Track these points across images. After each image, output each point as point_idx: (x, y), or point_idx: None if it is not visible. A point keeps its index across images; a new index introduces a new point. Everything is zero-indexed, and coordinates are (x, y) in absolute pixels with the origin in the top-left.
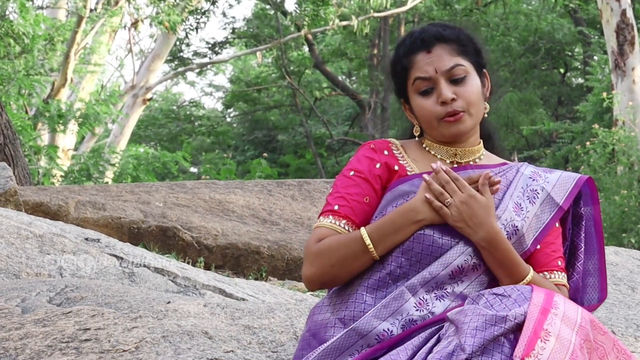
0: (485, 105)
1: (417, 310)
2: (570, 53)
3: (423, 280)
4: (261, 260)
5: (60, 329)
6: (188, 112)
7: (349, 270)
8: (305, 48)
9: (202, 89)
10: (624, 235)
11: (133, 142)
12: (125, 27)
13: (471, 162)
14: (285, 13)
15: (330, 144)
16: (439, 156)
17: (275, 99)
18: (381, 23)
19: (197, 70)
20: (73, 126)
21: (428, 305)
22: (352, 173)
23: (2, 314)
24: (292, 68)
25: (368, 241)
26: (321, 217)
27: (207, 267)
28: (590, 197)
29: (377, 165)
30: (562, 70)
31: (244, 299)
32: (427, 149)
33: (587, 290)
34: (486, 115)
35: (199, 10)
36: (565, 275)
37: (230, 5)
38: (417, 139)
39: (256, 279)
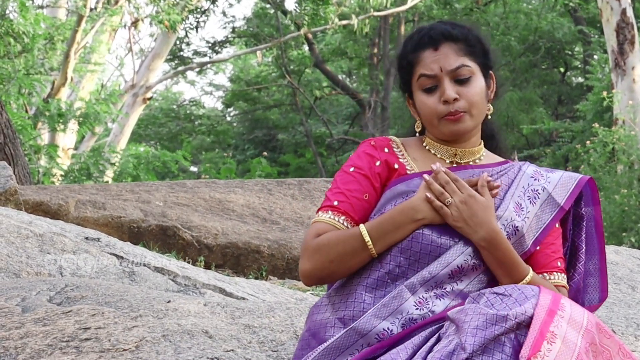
0: (488, 107)
1: (417, 309)
2: (570, 52)
3: (422, 280)
4: (261, 260)
5: (61, 328)
6: (188, 111)
7: (347, 267)
8: (305, 47)
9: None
10: (624, 234)
11: (133, 141)
12: (125, 26)
13: (471, 162)
14: (285, 12)
15: (330, 143)
16: (438, 155)
17: (275, 98)
18: (381, 22)
19: (197, 70)
20: (73, 125)
21: (428, 304)
22: (352, 169)
23: (3, 313)
24: (292, 67)
25: (367, 238)
26: (320, 212)
27: (207, 266)
28: (591, 198)
29: (377, 163)
30: (562, 70)
31: (244, 298)
32: (427, 147)
33: (588, 290)
34: (489, 117)
35: (199, 9)
36: (565, 277)
37: (230, 5)
38: (417, 136)
39: (256, 278)
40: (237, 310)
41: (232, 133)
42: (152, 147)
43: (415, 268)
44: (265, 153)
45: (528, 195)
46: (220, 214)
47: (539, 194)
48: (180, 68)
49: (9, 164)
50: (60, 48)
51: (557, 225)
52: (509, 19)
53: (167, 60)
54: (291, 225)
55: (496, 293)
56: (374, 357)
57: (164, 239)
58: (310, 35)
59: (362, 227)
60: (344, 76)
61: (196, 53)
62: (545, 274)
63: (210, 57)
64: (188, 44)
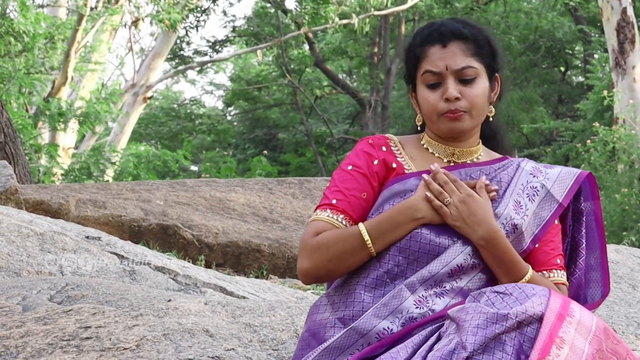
0: (490, 109)
1: (417, 307)
2: (570, 51)
3: (422, 279)
4: (262, 259)
5: (61, 327)
6: (188, 111)
7: (346, 265)
8: (306, 46)
9: (203, 87)
10: (624, 233)
11: (133, 140)
12: (125, 25)
13: (469, 162)
14: (285, 11)
15: (330, 142)
16: (436, 154)
17: (276, 97)
18: (382, 21)
19: (198, 69)
20: (73, 125)
21: (428, 303)
22: (350, 167)
23: (3, 312)
24: (292, 66)
25: (366, 237)
26: (318, 211)
27: (207, 265)
28: (591, 193)
29: (375, 162)
30: (562, 69)
31: (244, 297)
32: (425, 146)
33: (590, 285)
34: (490, 119)
35: (199, 9)
36: (565, 274)
37: (231, 4)
38: (415, 135)
39: (257, 277)
40: (238, 309)
41: (233, 132)
42: (152, 146)
43: (414, 267)
44: (265, 152)
45: (527, 192)
46: (221, 213)
47: (538, 191)
48: (180, 67)
49: (10, 163)
50: (61, 47)
51: (556, 222)
52: (510, 18)
53: (167, 60)
54: (292, 224)
55: (497, 292)
56: (374, 356)
57: (165, 238)
58: (310, 35)
59: (361, 226)
60: (344, 75)
61: (196, 52)
62: (544, 272)
63: (210, 56)
64: (188, 43)
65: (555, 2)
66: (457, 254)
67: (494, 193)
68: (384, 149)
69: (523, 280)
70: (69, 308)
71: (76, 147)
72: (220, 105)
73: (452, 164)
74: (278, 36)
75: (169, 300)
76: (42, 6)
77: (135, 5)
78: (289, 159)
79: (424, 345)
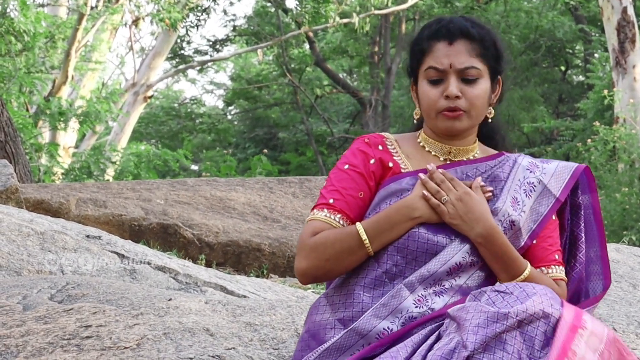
0: (489, 110)
1: (416, 307)
2: (571, 51)
3: (421, 278)
4: (262, 258)
5: (62, 326)
6: (189, 110)
7: (343, 265)
8: (306, 45)
9: (203, 87)
10: (624, 232)
11: (134, 139)
12: (126, 24)
13: (465, 160)
14: (286, 10)
15: (331, 141)
16: (433, 153)
17: (276, 96)
18: (382, 20)
19: (198, 68)
20: (74, 124)
21: (427, 302)
22: (346, 167)
23: (4, 311)
24: (292, 66)
25: (364, 236)
26: (315, 210)
27: (208, 265)
28: (588, 186)
29: (372, 161)
30: (562, 68)
31: (245, 296)
32: (421, 144)
33: (591, 278)
34: (489, 120)
35: (199, 8)
36: (563, 269)
37: (231, 3)
38: (411, 133)
39: (257, 276)
40: (238, 308)
41: (233, 131)
42: (152, 145)
43: (412, 266)
44: (265, 150)
45: (524, 188)
46: (221, 212)
47: (535, 186)
48: (181, 66)
49: (10, 162)
50: (61, 46)
51: (553, 217)
52: (510, 17)
53: (167, 59)
54: (292, 223)
55: (497, 291)
56: (374, 356)
57: (165, 237)
58: (311, 34)
59: (358, 225)
60: (344, 74)
61: (197, 51)
62: (543, 268)
63: (211, 55)
64: (189, 43)
65: (556, 2)
66: (455, 252)
67: (490, 194)
68: (380, 147)
69: (522, 276)
70: (70, 307)
71: (76, 147)
72: (220, 104)
73: (448, 162)
74: (278, 35)
75: (170, 300)
76: (42, 5)
77: (136, 5)
78: (289, 158)
79: (423, 345)
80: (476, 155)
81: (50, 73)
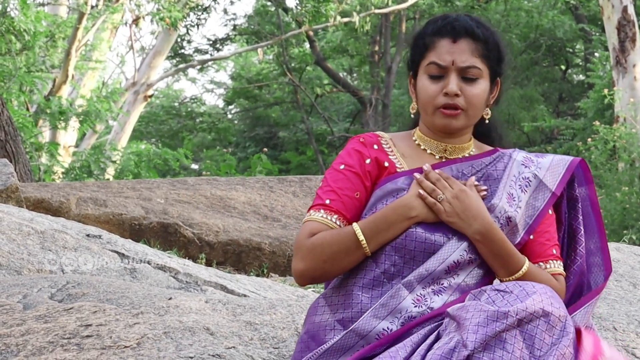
0: (486, 111)
1: (415, 306)
2: (571, 50)
3: (419, 277)
4: (262, 257)
5: (62, 325)
6: (189, 109)
7: (341, 266)
8: (307, 45)
9: (203, 86)
10: (625, 231)
11: (134, 138)
12: (126, 23)
13: (461, 157)
14: (286, 10)
15: (331, 140)
16: (428, 151)
17: (276, 95)
18: (382, 20)
19: (198, 67)
20: (74, 123)
21: (426, 301)
22: (342, 167)
23: (4, 310)
24: (293, 65)
25: (361, 237)
26: (312, 211)
27: (208, 264)
28: (584, 178)
29: (368, 161)
30: (563, 67)
31: (245, 295)
32: (417, 142)
33: (593, 270)
34: (486, 121)
35: (200, 7)
36: (562, 264)
37: (232, 2)
38: (407, 131)
39: (257, 275)
40: (239, 307)
41: (233, 131)
42: (153, 144)
43: (410, 266)
44: (265, 149)
45: (519, 183)
46: (222, 211)
47: (530, 181)
48: (181, 66)
49: (10, 162)
50: (62, 46)
51: (550, 212)
52: (510, 16)
53: (168, 58)
54: (292, 222)
55: (497, 290)
56: (373, 356)
57: (165, 236)
58: (311, 33)
59: (355, 226)
60: (345, 74)
61: (197, 51)
62: (541, 263)
63: (211, 54)
64: (189, 42)
65: (556, 1)
66: (453, 251)
67: (484, 192)
68: (375, 147)
69: (520, 272)
70: (70, 306)
71: (77, 146)
72: (220, 103)
73: (444, 160)
74: (279, 34)
75: (170, 299)
76: (42, 4)
77: (136, 4)
78: (289, 158)
79: (422, 344)
80: (472, 152)
81: (51, 72)
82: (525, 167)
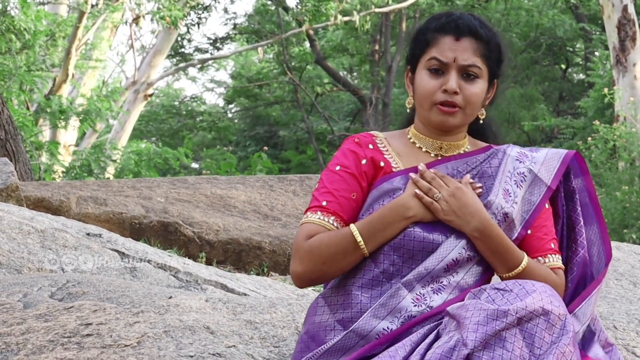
0: (482, 111)
1: (415, 305)
2: (571, 49)
3: (419, 276)
4: (263, 256)
5: (62, 324)
6: (189, 108)
7: (339, 267)
8: (307, 44)
9: (204, 85)
10: (625, 231)
11: (134, 137)
12: (126, 22)
13: (456, 154)
14: (286, 9)
15: (331, 139)
16: (424, 149)
17: (277, 94)
18: (382, 19)
19: (199, 66)
20: (74, 122)
21: (426, 300)
22: (338, 168)
23: (4, 309)
24: (293, 64)
25: (359, 238)
26: (309, 213)
27: (208, 263)
28: (580, 169)
29: (363, 162)
30: (563, 66)
31: (245, 294)
32: (412, 140)
33: (594, 260)
34: (481, 121)
35: (200, 6)
36: (560, 257)
37: (232, 1)
38: (401, 130)
39: (258, 274)
40: (239, 306)
41: (234, 129)
42: (153, 143)
43: (409, 265)
44: (265, 148)
45: (514, 179)
46: (222, 210)
47: (525, 176)
48: (181, 65)
49: (11, 160)
50: (62, 45)
51: (547, 206)
52: (510, 15)
53: (168, 57)
54: (292, 221)
55: (497, 288)
56: (373, 355)
57: (166, 235)
58: (311, 32)
59: (352, 227)
60: (345, 73)
61: (197, 50)
62: (539, 258)
63: (211, 53)
64: (189, 41)
65: (556, 0)
66: (451, 249)
67: (480, 190)
68: (370, 147)
69: (519, 268)
70: (70, 305)
71: (77, 145)
72: (221, 102)
73: (439, 158)
74: (279, 33)
75: (170, 297)
76: (42, 3)
77: (136, 3)
78: (289, 157)
79: (422, 343)
80: (467, 149)
81: (51, 71)
82: (520, 162)
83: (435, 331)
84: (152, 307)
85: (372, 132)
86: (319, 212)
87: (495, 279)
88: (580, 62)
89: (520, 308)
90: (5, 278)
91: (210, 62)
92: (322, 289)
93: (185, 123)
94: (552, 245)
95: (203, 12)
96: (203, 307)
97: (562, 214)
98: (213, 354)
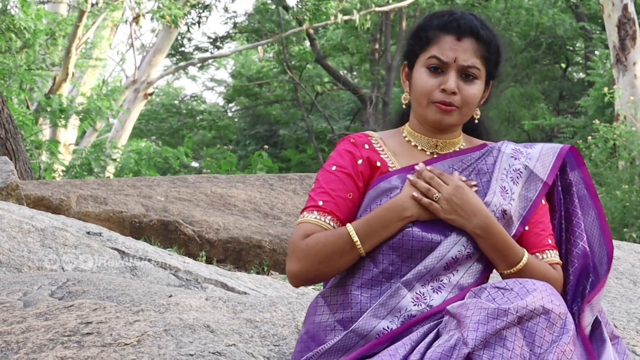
0: (477, 111)
1: (414, 305)
2: (571, 48)
3: (418, 275)
4: (263, 255)
5: (62, 322)
6: (189, 107)
7: (336, 267)
8: (307, 43)
9: (204, 84)
10: (625, 229)
11: (134, 136)
12: (126, 21)
13: (451, 152)
14: (286, 7)
15: (331, 138)
16: (419, 147)
17: (277, 93)
18: (383, 18)
19: (199, 65)
20: (74, 121)
21: (425, 299)
22: (334, 168)
23: (4, 308)
24: (293, 63)
25: (355, 237)
26: (305, 213)
27: (208, 261)
28: (575, 162)
29: (360, 162)
30: (563, 65)
31: (245, 293)
32: (407, 138)
33: (595, 250)
34: (475, 121)
35: (200, 4)
36: (557, 253)
37: (232, 0)
38: (395, 129)
39: (258, 273)
40: (239, 305)
41: (234, 128)
42: (153, 142)
43: (408, 264)
44: (265, 147)
45: (510, 176)
46: (222, 209)
47: (521, 172)
48: (181, 63)
49: (11, 159)
50: (62, 43)
51: (543, 202)
52: (510, 14)
53: (168, 56)
54: (293, 220)
55: (497, 287)
56: (373, 354)
57: (166, 234)
58: (311, 31)
59: (349, 226)
60: (345, 72)
61: (197, 48)
62: (537, 254)
63: (211, 52)
64: (189, 40)
65: None
66: (451, 247)
67: (475, 188)
68: (366, 147)
69: (521, 264)
70: (70, 304)
71: (77, 144)
72: (221, 101)
73: (435, 156)
74: (279, 32)
75: (170, 296)
76: (42, 2)
77: (136, 2)
78: (289, 155)
79: (422, 342)
80: (462, 147)
81: (51, 70)
82: (515, 159)
83: (436, 330)
84: (152, 305)
85: (367, 132)
86: (315, 212)
87: (494, 277)
88: (581, 61)
89: (520, 307)
90: (5, 277)
91: (210, 61)
92: (322, 288)
93: (186, 122)
94: (550, 241)
95: (203, 11)
96: (203, 305)
97: (560, 207)
98: (213, 353)
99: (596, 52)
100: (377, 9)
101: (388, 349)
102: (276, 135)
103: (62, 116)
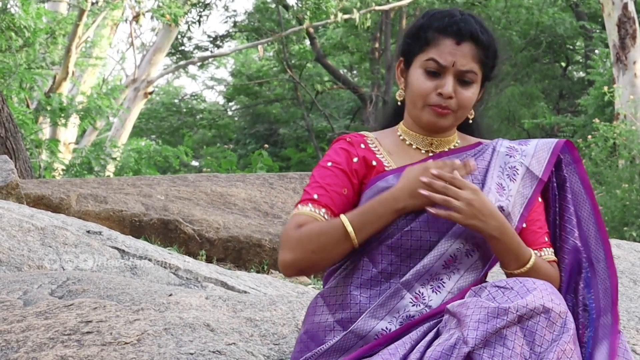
0: (471, 112)
1: (413, 305)
2: (571, 47)
3: (417, 274)
4: (263, 253)
5: (62, 321)
6: (189, 106)
7: (329, 258)
8: (307, 41)
9: (204, 83)
10: (625, 228)
11: (134, 135)
12: (126, 20)
13: (447, 150)
14: (286, 6)
15: (331, 137)
16: (414, 145)
17: (277, 92)
18: (383, 16)
19: (199, 64)
20: (74, 120)
21: (424, 299)
22: (329, 164)
23: (4, 307)
24: (293, 61)
25: (350, 228)
26: (300, 205)
27: (208, 260)
28: (571, 158)
29: (355, 160)
30: (563, 64)
31: (245, 292)
32: (402, 137)
33: (590, 243)
34: (470, 121)
35: (200, 3)
36: (553, 250)
37: None
38: (390, 128)
39: (258, 271)
40: (239, 304)
41: (234, 127)
42: (153, 141)
43: (407, 264)
44: (266, 145)
45: (507, 173)
46: (222, 208)
47: (517, 170)
48: (181, 62)
49: (11, 158)
50: (62, 42)
51: (539, 199)
52: (510, 13)
53: (168, 55)
54: None
55: (498, 286)
56: (372, 354)
57: (166, 232)
58: (311, 30)
59: (343, 217)
60: (345, 70)
61: (197, 47)
62: (535, 252)
63: (211, 51)
64: (189, 38)
65: None
66: (449, 245)
67: (475, 169)
68: (362, 146)
69: (530, 263)
70: (70, 302)
71: (77, 142)
72: (221, 100)
73: (430, 155)
74: (279, 31)
75: (170, 295)
76: (42, 1)
77: (136, 0)
78: (289, 154)
79: (421, 342)
80: (457, 144)
81: (51, 69)
82: (510, 157)
83: (436, 329)
84: (152, 304)
85: (362, 133)
86: (310, 204)
87: (494, 276)
88: (581, 60)
89: (521, 306)
90: (6, 275)
91: (210, 59)
92: (321, 287)
93: (185, 121)
94: (546, 239)
95: (203, 10)
96: (203, 304)
97: (554, 204)
98: (213, 352)
99: (596, 51)
100: (377, 7)
101: (388, 347)
102: (276, 134)
103: (62, 115)
